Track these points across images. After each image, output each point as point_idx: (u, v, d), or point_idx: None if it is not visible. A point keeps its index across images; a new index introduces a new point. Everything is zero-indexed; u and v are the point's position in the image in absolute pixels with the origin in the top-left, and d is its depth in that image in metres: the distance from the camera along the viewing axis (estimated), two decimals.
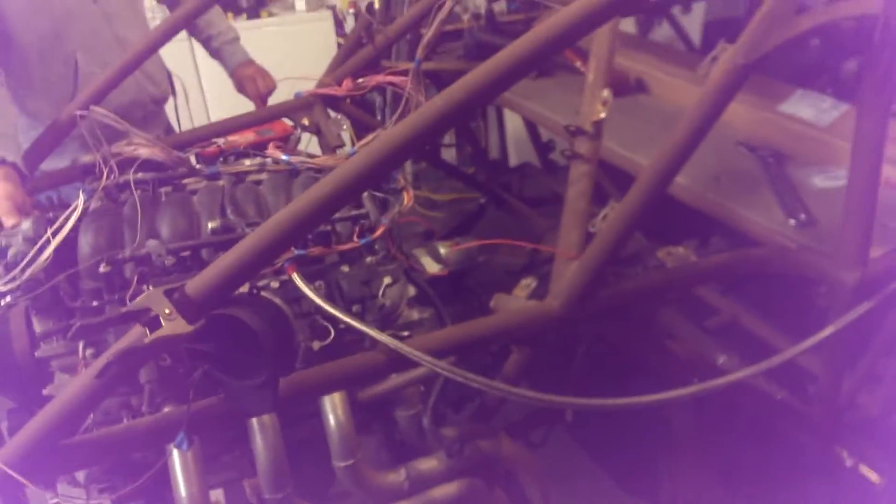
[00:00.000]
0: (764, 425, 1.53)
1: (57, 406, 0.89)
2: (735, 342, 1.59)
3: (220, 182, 1.57)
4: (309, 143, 2.21)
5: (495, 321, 1.24)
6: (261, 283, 1.29)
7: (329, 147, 2.04)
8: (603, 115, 1.40)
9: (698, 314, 1.67)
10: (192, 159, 1.70)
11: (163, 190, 1.53)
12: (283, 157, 1.63)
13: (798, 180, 1.62)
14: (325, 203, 0.89)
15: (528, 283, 1.35)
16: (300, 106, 2.07)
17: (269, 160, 1.64)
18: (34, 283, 1.29)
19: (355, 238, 1.37)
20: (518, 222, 2.51)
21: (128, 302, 1.22)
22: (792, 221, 1.47)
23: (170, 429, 1.01)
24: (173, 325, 0.85)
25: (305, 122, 2.04)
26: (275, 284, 1.27)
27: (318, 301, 1.17)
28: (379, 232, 1.38)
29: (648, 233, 1.68)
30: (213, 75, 3.09)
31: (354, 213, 1.43)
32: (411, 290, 1.50)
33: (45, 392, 1.24)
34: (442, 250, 1.81)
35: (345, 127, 2.04)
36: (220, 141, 2.66)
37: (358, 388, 1.33)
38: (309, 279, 1.30)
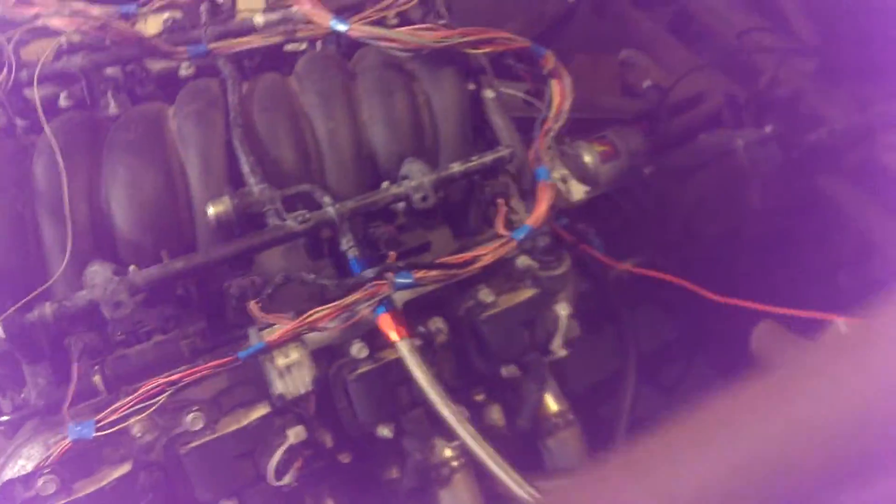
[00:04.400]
0: None
1: None
2: None
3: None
4: None
5: None
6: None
7: None
8: None
9: None
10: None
11: (110, 103, 0.89)
12: (331, 21, 0.90)
13: None
14: None
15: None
16: None
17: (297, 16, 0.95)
18: None
19: (500, 225, 0.80)
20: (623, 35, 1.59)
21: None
22: None
23: None
24: None
25: None
26: (360, 352, 0.79)
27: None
28: (541, 209, 0.78)
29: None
30: None
31: (491, 156, 0.85)
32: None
33: None
34: (587, 157, 1.16)
35: None
36: None
37: None
38: (416, 319, 0.79)
